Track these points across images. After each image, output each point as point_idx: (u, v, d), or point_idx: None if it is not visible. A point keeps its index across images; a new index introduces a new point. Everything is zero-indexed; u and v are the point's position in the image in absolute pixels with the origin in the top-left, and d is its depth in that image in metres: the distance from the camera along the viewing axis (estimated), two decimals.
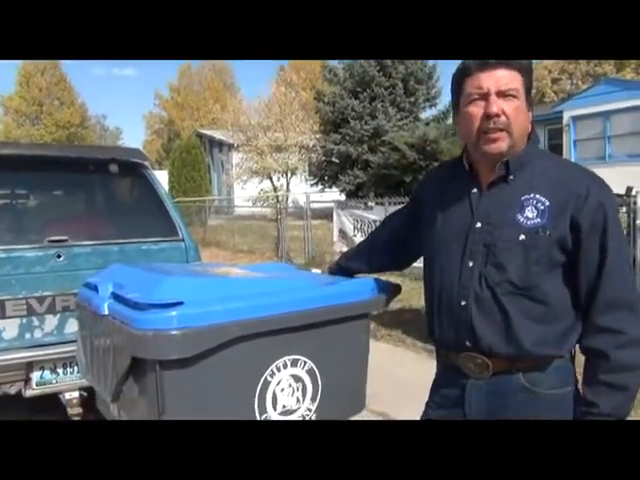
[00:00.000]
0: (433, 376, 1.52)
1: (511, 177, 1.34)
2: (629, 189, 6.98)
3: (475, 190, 1.39)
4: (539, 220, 1.28)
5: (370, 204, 8.24)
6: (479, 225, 1.35)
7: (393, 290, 1.67)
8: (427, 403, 1.52)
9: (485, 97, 1.29)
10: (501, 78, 1.28)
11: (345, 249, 7.87)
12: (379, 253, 1.68)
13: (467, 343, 1.35)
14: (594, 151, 15.09)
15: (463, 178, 1.42)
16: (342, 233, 8.50)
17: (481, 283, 1.32)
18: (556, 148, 16.35)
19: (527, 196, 1.30)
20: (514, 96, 1.28)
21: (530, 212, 1.29)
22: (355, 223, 8.12)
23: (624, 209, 5.98)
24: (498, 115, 1.27)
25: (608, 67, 33.17)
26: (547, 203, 1.28)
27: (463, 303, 1.35)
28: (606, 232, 1.26)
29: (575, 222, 1.26)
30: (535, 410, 1.30)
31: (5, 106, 40.84)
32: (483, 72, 1.29)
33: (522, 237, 1.28)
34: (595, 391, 1.27)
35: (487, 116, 1.28)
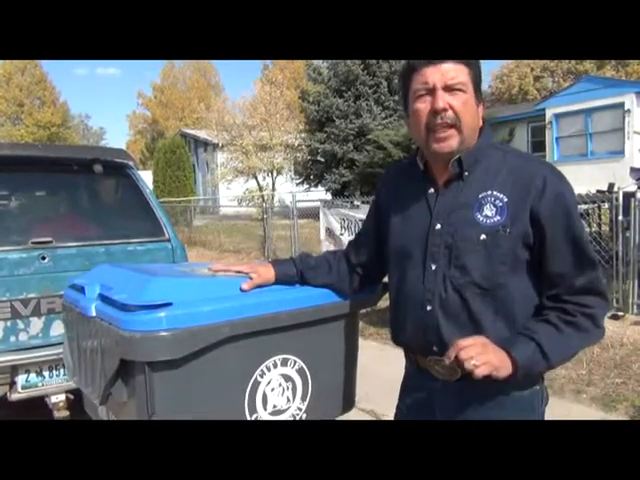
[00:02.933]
0: None
1: (465, 174, 1.31)
2: (611, 185, 7.10)
3: (432, 190, 1.36)
4: (498, 218, 1.25)
5: (356, 203, 8.23)
6: (439, 226, 1.32)
7: (381, 289, 1.67)
8: (397, 406, 1.50)
9: (432, 92, 1.26)
10: (447, 72, 1.25)
11: (333, 248, 7.87)
12: (347, 276, 1.58)
13: (434, 348, 1.33)
14: (576, 148, 15.29)
15: (419, 178, 1.40)
16: (329, 232, 8.48)
17: (446, 286, 1.29)
18: (539, 145, 16.55)
19: (484, 193, 1.28)
20: (462, 90, 1.26)
21: (489, 210, 1.27)
22: (342, 222, 8.12)
23: (606, 205, 6.06)
24: (445, 110, 1.25)
25: (589, 65, 33.54)
26: (505, 199, 1.26)
27: (429, 308, 1.32)
28: (569, 217, 1.26)
29: (535, 214, 1.24)
30: (504, 411, 1.29)
31: None
32: (429, 66, 1.26)
33: (483, 237, 1.26)
34: (545, 325, 1.26)
35: (434, 111, 1.25)
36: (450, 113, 1.25)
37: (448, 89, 1.25)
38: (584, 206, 6.40)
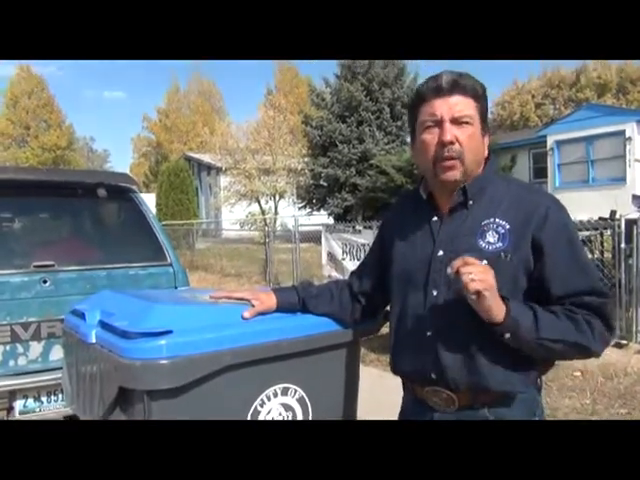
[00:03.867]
0: None
1: (470, 202, 1.33)
2: (613, 213, 7.09)
3: (435, 218, 1.38)
4: (500, 244, 1.27)
5: (358, 228, 8.24)
6: (441, 253, 1.34)
7: (382, 316, 1.66)
8: None
9: (439, 124, 1.29)
10: (455, 105, 1.28)
11: (334, 273, 7.86)
12: (349, 305, 1.57)
13: (432, 375, 1.32)
14: (578, 175, 15.35)
15: (422, 208, 1.42)
16: (331, 256, 8.48)
17: (445, 312, 1.30)
18: (541, 171, 16.64)
19: (487, 221, 1.30)
20: (468, 123, 1.29)
21: (491, 237, 1.29)
22: (344, 247, 8.12)
23: (609, 232, 6.06)
24: (452, 143, 1.27)
25: (589, 93, 33.91)
26: (507, 226, 1.28)
27: (428, 334, 1.33)
28: (573, 244, 1.28)
29: (537, 241, 1.26)
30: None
31: None
32: (437, 99, 1.29)
33: (484, 262, 1.26)
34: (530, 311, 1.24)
35: (441, 144, 1.28)
36: (456, 146, 1.28)
37: (455, 122, 1.28)
38: (586, 233, 6.40)
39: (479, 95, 1.32)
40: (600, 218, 6.55)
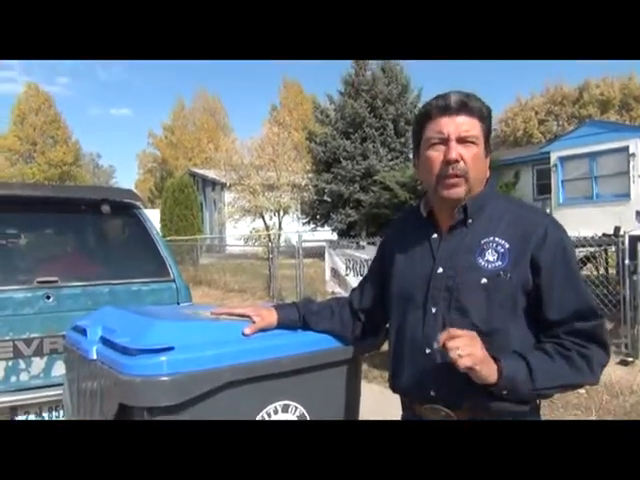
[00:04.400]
0: None
1: (470, 221, 1.35)
2: (617, 229, 7.09)
3: (435, 235, 1.40)
4: (500, 263, 1.28)
5: (362, 243, 8.24)
6: (441, 270, 1.35)
7: (383, 333, 1.66)
8: None
9: (445, 142, 1.31)
10: (462, 124, 1.30)
11: (338, 289, 7.84)
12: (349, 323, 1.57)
13: (431, 393, 1.33)
14: (582, 191, 15.34)
15: (422, 225, 1.43)
16: (334, 272, 8.47)
17: (444, 329, 1.28)
18: (544, 188, 16.63)
19: (487, 239, 1.31)
20: (473, 143, 1.31)
21: (490, 255, 1.30)
22: (347, 263, 8.11)
23: (613, 248, 6.04)
24: (457, 161, 1.29)
25: (592, 109, 34.02)
26: (507, 245, 1.29)
27: (427, 351, 1.33)
28: (569, 266, 1.29)
29: (535, 260, 1.27)
30: None
31: None
32: (444, 117, 1.31)
33: (484, 280, 1.28)
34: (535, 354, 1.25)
35: (447, 162, 1.30)
36: (461, 164, 1.30)
37: (461, 141, 1.30)
38: (590, 249, 6.39)
39: (485, 117, 1.34)
40: (604, 234, 6.55)
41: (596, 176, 14.98)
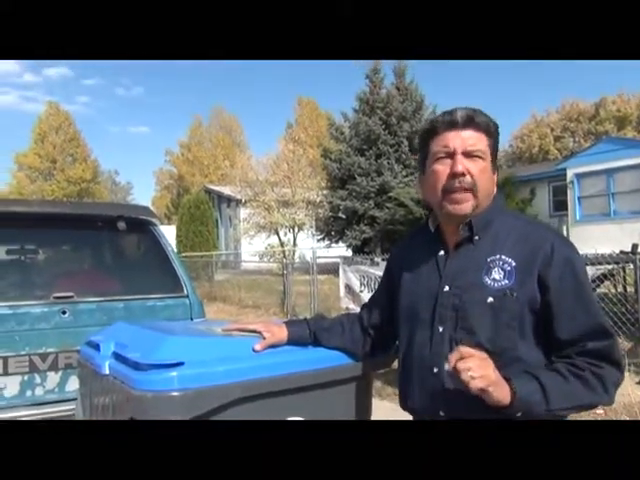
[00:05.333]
0: None
1: (476, 237, 1.33)
2: (635, 246, 6.99)
3: (442, 252, 1.38)
4: (506, 282, 1.26)
5: (376, 260, 8.23)
6: (447, 288, 1.33)
7: (394, 350, 1.65)
8: None
9: (451, 156, 1.30)
10: (468, 139, 1.29)
11: (352, 305, 7.82)
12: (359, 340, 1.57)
13: (441, 413, 1.31)
14: (599, 208, 15.19)
15: (430, 240, 1.42)
16: (348, 289, 8.46)
17: (452, 348, 1.26)
18: (561, 204, 16.50)
19: (493, 257, 1.29)
20: (480, 157, 1.30)
21: (497, 273, 1.28)
22: (361, 279, 8.10)
23: (631, 266, 5.96)
24: (464, 174, 1.28)
25: (609, 126, 33.82)
26: (513, 264, 1.27)
27: (435, 370, 1.31)
28: (579, 283, 1.26)
29: (543, 278, 1.24)
30: None
31: (19, 162, 41.88)
32: (450, 131, 1.30)
33: (490, 299, 1.26)
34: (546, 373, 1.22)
35: (453, 175, 1.28)
36: (468, 178, 1.28)
37: (467, 155, 1.29)
38: (608, 267, 6.30)
39: (491, 132, 1.33)
40: (621, 252, 6.46)
41: (613, 193, 14.84)
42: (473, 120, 1.30)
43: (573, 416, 1.29)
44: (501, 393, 1.15)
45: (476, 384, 1.11)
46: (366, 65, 19.78)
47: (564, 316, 1.24)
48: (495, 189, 1.38)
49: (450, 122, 1.31)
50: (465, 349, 1.15)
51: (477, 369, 1.12)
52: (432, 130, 1.35)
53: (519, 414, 1.19)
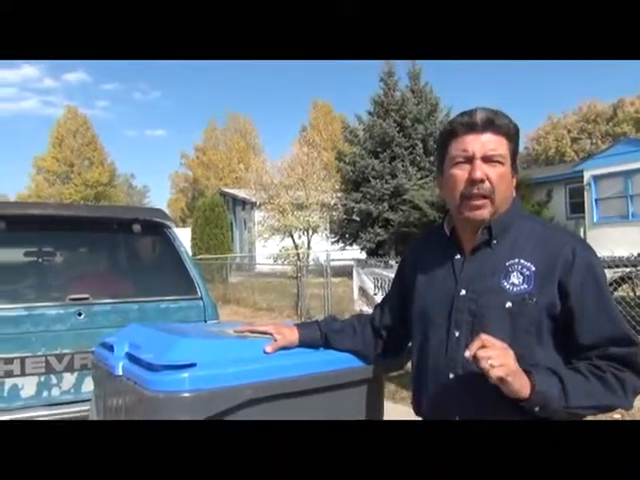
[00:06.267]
0: None
1: (494, 242, 1.30)
2: None
3: (458, 256, 1.36)
4: (525, 286, 1.24)
5: (390, 262, 8.20)
6: (463, 292, 1.31)
7: (406, 353, 1.65)
8: None
9: (470, 161, 1.26)
10: (487, 143, 1.26)
11: (366, 308, 7.80)
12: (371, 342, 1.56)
13: (456, 418, 1.29)
14: (617, 210, 15.00)
15: (445, 244, 1.39)
16: (362, 291, 8.44)
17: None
18: (578, 206, 16.32)
19: (512, 261, 1.27)
20: (500, 162, 1.26)
21: (516, 278, 1.25)
22: (375, 282, 8.07)
23: None
24: (482, 181, 1.25)
25: (627, 127, 33.41)
26: (533, 268, 1.24)
27: (451, 376, 1.30)
28: (601, 290, 1.24)
29: (564, 284, 1.22)
30: None
31: (38, 166, 42.47)
32: (469, 135, 1.27)
33: (509, 304, 1.24)
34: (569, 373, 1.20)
35: (471, 181, 1.25)
36: (487, 185, 1.25)
37: (487, 160, 1.26)
38: (626, 270, 6.21)
39: (511, 135, 1.29)
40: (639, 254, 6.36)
41: (631, 195, 14.63)
42: (493, 123, 1.26)
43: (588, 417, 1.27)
44: (520, 384, 1.14)
45: (495, 372, 1.10)
46: (379, 66, 19.77)
47: (586, 322, 1.22)
48: (514, 193, 1.35)
49: (469, 124, 1.27)
50: (486, 337, 1.14)
51: (497, 358, 1.11)
52: (451, 132, 1.31)
53: (537, 409, 1.17)
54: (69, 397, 2.89)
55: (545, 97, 67.42)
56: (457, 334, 1.30)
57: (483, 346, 1.12)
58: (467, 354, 1.14)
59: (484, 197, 1.26)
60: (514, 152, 1.31)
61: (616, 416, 4.15)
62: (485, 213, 1.27)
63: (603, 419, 1.21)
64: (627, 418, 4.13)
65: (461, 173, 1.28)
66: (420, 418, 1.47)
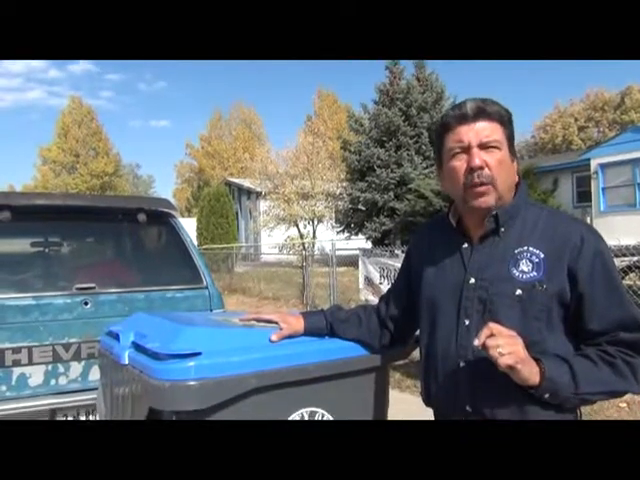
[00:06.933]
0: None
1: (502, 230, 1.31)
2: None
3: (466, 245, 1.36)
4: (535, 274, 1.24)
5: (396, 252, 8.19)
6: (473, 281, 1.31)
7: (413, 342, 1.65)
8: None
9: (467, 151, 1.28)
10: (482, 130, 1.27)
11: (371, 297, 7.81)
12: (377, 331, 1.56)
13: (467, 407, 1.30)
14: (624, 198, 14.91)
15: (452, 234, 1.40)
16: (368, 281, 8.44)
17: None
18: (584, 195, 16.24)
19: (520, 249, 1.28)
20: (496, 147, 1.27)
21: (525, 265, 1.26)
22: (381, 271, 8.07)
23: None
24: (482, 167, 1.26)
25: (635, 115, 33.11)
26: (541, 255, 1.25)
27: (462, 364, 1.30)
28: (610, 275, 1.24)
29: (573, 271, 1.23)
30: None
31: (44, 157, 42.56)
32: (463, 126, 1.28)
33: (519, 292, 1.25)
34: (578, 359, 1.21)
35: (471, 169, 1.26)
36: (486, 171, 1.26)
37: (483, 147, 1.27)
38: (633, 258, 6.18)
39: (505, 120, 1.31)
40: None
41: (639, 183, 14.54)
42: (484, 111, 1.28)
43: (588, 416, 1.27)
44: (529, 371, 1.15)
45: (505, 360, 1.11)
46: None
47: (596, 308, 1.22)
48: (516, 178, 1.35)
49: (461, 116, 1.29)
50: (495, 326, 1.14)
51: (506, 346, 1.12)
52: (445, 126, 1.33)
53: (547, 395, 1.18)
54: (76, 386, 2.91)
55: (553, 85, 66.89)
56: (467, 322, 1.31)
57: (491, 335, 1.12)
58: (476, 343, 1.14)
59: (486, 184, 1.26)
60: (510, 137, 1.32)
61: (622, 404, 4.15)
62: (490, 200, 1.28)
63: (604, 419, 1.21)
64: (633, 408, 4.14)
65: (460, 164, 1.29)
66: (429, 408, 1.47)
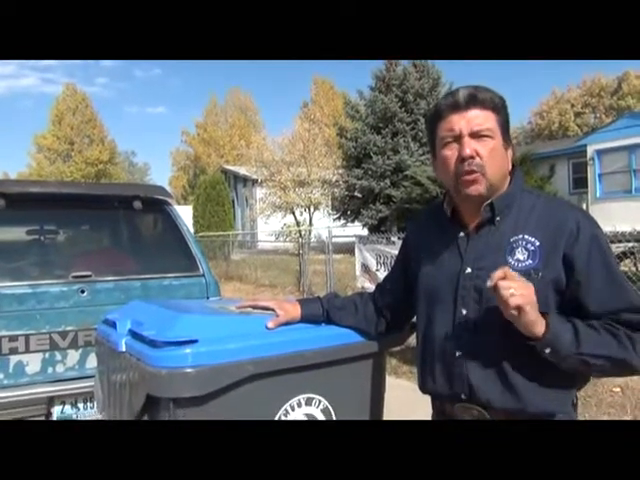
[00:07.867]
0: None
1: (497, 219, 1.30)
2: None
3: (462, 234, 1.36)
4: (530, 262, 1.24)
5: (392, 239, 8.19)
6: (469, 270, 1.31)
7: (409, 328, 1.66)
8: None
9: (458, 140, 1.27)
10: (474, 118, 1.26)
11: (368, 284, 7.83)
12: (374, 318, 1.57)
13: (462, 396, 1.31)
14: (620, 184, 14.94)
15: (447, 223, 1.40)
16: (365, 268, 8.46)
17: (476, 331, 1.28)
18: (581, 182, 16.25)
19: (516, 237, 1.27)
20: (488, 136, 1.26)
21: (520, 254, 1.26)
22: (377, 258, 8.08)
23: None
24: (472, 157, 1.25)
25: (631, 101, 33.06)
26: (537, 243, 1.25)
27: (458, 354, 1.31)
28: (608, 261, 1.24)
29: (569, 258, 1.23)
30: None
31: (38, 144, 42.25)
32: (455, 114, 1.27)
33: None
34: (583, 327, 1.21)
35: (461, 159, 1.26)
36: (477, 160, 1.26)
37: (475, 135, 1.26)
38: (628, 245, 6.20)
39: (498, 107, 1.29)
40: None
41: (635, 169, 14.55)
42: (476, 98, 1.27)
43: (610, 415, 1.28)
44: (537, 317, 1.16)
45: (515, 300, 1.12)
46: None
47: (595, 293, 1.22)
48: (510, 166, 1.34)
49: (453, 104, 1.28)
50: (508, 269, 1.16)
51: (518, 288, 1.13)
52: (437, 114, 1.32)
53: (548, 350, 1.18)
54: (73, 373, 2.92)
55: (549, 71, 66.66)
56: (464, 312, 1.31)
57: (505, 277, 1.14)
58: (488, 284, 1.15)
59: (476, 172, 1.26)
60: (504, 124, 1.31)
61: (616, 389, 4.19)
62: (480, 188, 1.27)
63: (603, 419, 1.22)
64: (627, 394, 4.17)
65: (451, 153, 1.29)
66: (425, 395, 1.48)
